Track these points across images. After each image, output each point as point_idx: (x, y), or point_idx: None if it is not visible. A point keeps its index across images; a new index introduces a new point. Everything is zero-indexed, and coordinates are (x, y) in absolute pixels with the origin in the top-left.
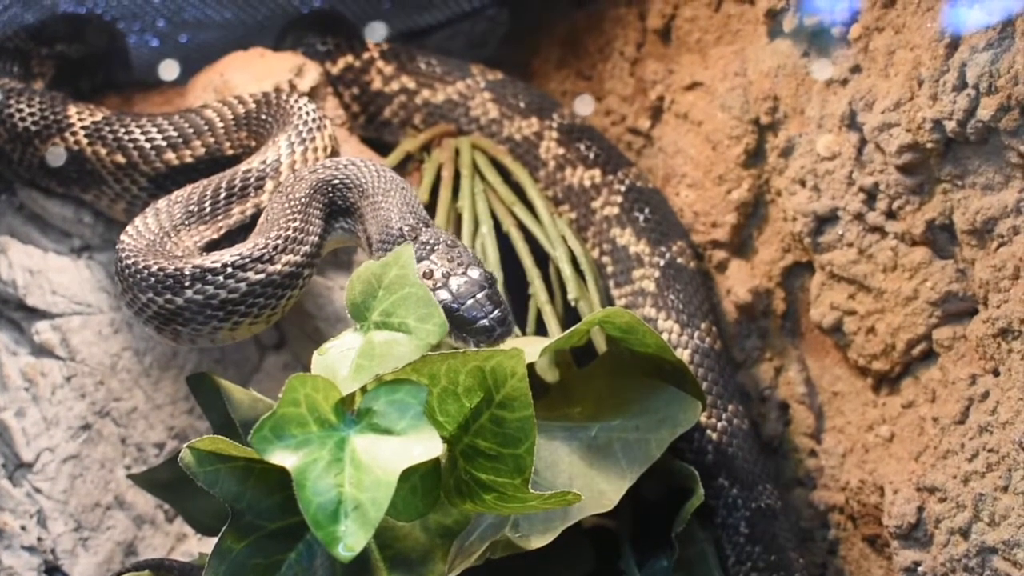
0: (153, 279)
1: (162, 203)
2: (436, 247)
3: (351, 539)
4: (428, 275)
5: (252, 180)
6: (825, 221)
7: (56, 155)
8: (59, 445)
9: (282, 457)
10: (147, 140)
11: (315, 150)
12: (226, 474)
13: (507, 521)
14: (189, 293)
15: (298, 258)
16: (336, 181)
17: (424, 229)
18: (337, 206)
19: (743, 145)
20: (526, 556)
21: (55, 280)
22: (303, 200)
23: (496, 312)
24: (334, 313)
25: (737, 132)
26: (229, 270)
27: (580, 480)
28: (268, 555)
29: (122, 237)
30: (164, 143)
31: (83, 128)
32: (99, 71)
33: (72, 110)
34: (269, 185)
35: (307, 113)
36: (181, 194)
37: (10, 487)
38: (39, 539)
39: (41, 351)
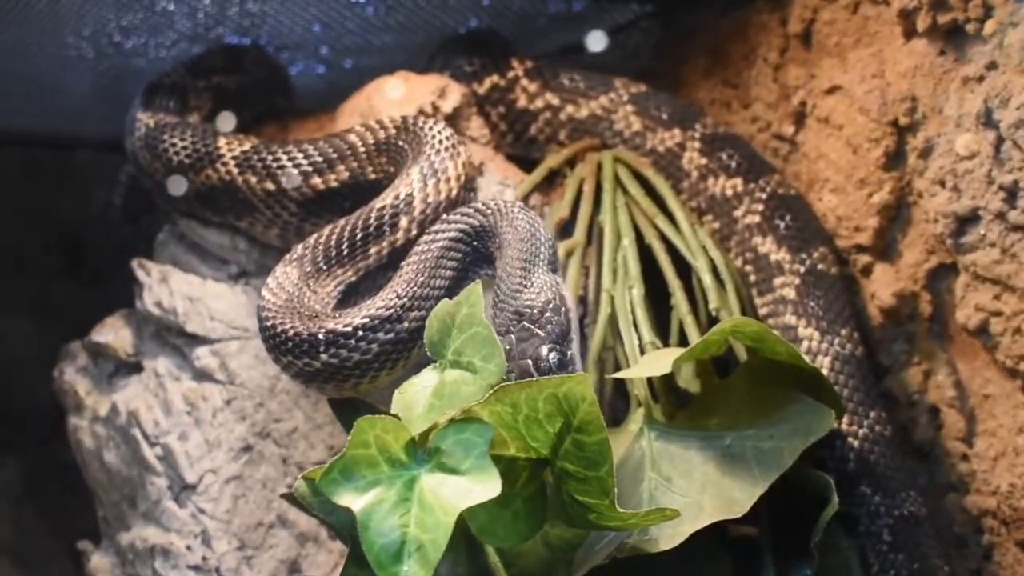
0: (291, 343)
1: (300, 248)
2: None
3: None
4: (505, 335)
5: (386, 218)
6: (967, 222)
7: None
8: (221, 466)
9: (350, 499)
10: (294, 166)
11: (447, 180)
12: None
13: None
14: (324, 357)
15: (425, 313)
16: (478, 230)
17: (529, 289)
18: (480, 253)
19: (883, 147)
20: (664, 565)
21: (213, 306)
22: (437, 252)
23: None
24: None
25: (876, 135)
26: (360, 333)
27: (712, 488)
28: None
29: (263, 292)
30: (310, 168)
31: (233, 158)
32: (259, 101)
33: (222, 141)
34: (403, 222)
35: (439, 141)
36: (319, 237)
37: (176, 508)
38: (204, 558)
39: (202, 376)
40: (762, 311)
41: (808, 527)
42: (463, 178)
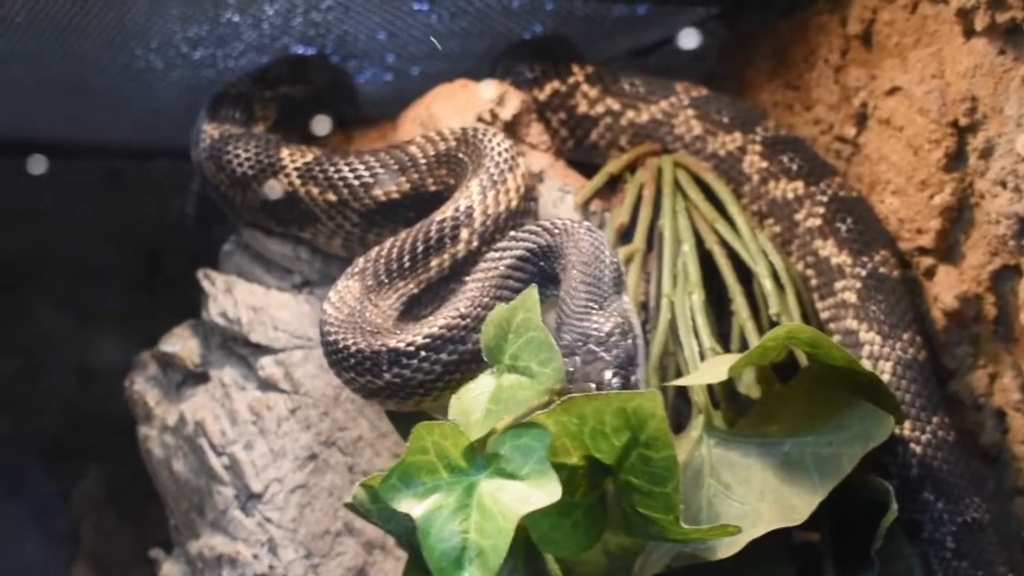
0: (353, 360)
1: (362, 262)
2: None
3: None
4: (569, 356)
5: (447, 231)
6: None
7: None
8: (287, 475)
9: (409, 505)
10: (356, 177)
11: (507, 192)
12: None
13: None
14: (387, 376)
15: None
16: (544, 249)
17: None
18: (545, 273)
19: (943, 148)
20: (724, 573)
21: (276, 316)
22: (503, 271)
23: None
24: None
25: (937, 136)
26: (423, 353)
27: (772, 495)
28: None
29: (325, 307)
30: (372, 180)
31: (295, 169)
32: (325, 110)
33: (285, 152)
34: (464, 234)
35: (499, 153)
36: (380, 250)
37: (242, 517)
38: (270, 567)
39: (266, 385)
40: (823, 315)
41: (869, 534)
42: (522, 189)
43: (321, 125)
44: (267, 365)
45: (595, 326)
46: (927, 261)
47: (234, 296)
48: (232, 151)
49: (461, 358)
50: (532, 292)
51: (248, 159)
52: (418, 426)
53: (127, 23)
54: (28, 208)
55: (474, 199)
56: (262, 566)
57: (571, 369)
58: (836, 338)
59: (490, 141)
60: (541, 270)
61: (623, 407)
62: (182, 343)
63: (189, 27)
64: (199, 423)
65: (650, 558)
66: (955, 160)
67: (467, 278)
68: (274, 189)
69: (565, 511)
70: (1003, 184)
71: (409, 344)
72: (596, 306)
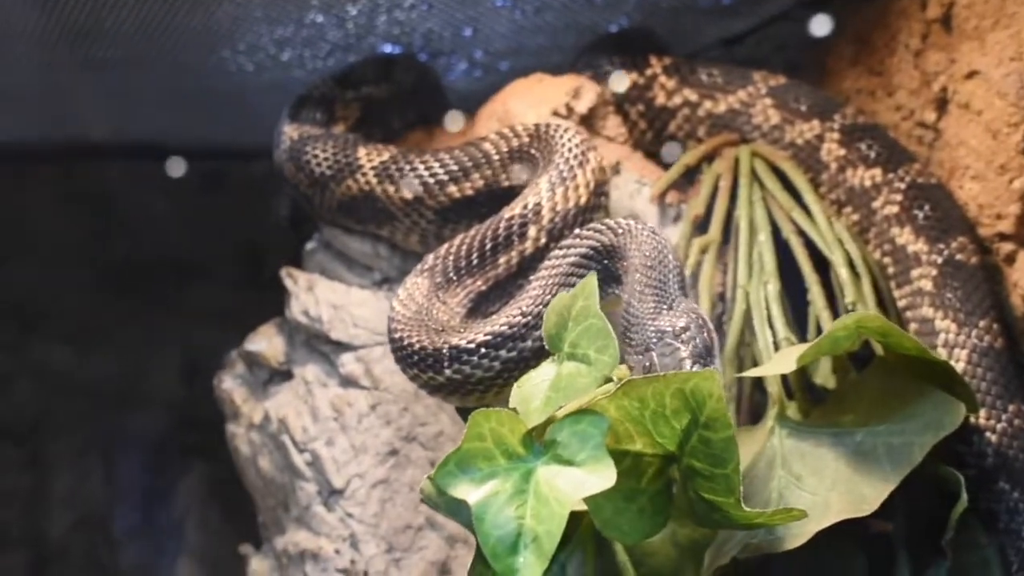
0: (416, 357)
1: (431, 258)
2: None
3: (528, 571)
4: (644, 352)
5: (515, 228)
6: None
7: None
8: (368, 471)
9: (465, 491)
10: (431, 175)
11: (576, 188)
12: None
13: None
14: (448, 373)
15: None
16: (609, 248)
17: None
18: (609, 272)
19: (1022, 132)
20: (794, 564)
21: (356, 313)
22: (566, 269)
23: None
24: None
25: (1016, 119)
26: (483, 350)
27: (843, 485)
28: None
29: (393, 303)
30: (447, 177)
31: (372, 168)
32: (409, 109)
33: (361, 152)
34: (532, 231)
35: (569, 149)
36: (450, 248)
37: (324, 513)
38: (352, 561)
39: (347, 382)
40: (900, 304)
41: (942, 525)
42: (592, 185)
43: (404, 123)
44: (347, 362)
45: (669, 323)
46: (1007, 247)
47: (315, 294)
48: (311, 151)
49: (520, 355)
50: (591, 280)
51: (326, 159)
52: (475, 413)
53: (213, 25)
54: (134, 211)
55: (543, 196)
56: (344, 561)
57: (647, 364)
58: (912, 326)
59: (561, 137)
60: (605, 268)
61: (681, 388)
62: (267, 341)
63: (275, 29)
64: (282, 420)
65: (720, 550)
66: None
67: (532, 276)
68: (351, 189)
69: (630, 497)
70: None
71: (470, 341)
72: (666, 307)
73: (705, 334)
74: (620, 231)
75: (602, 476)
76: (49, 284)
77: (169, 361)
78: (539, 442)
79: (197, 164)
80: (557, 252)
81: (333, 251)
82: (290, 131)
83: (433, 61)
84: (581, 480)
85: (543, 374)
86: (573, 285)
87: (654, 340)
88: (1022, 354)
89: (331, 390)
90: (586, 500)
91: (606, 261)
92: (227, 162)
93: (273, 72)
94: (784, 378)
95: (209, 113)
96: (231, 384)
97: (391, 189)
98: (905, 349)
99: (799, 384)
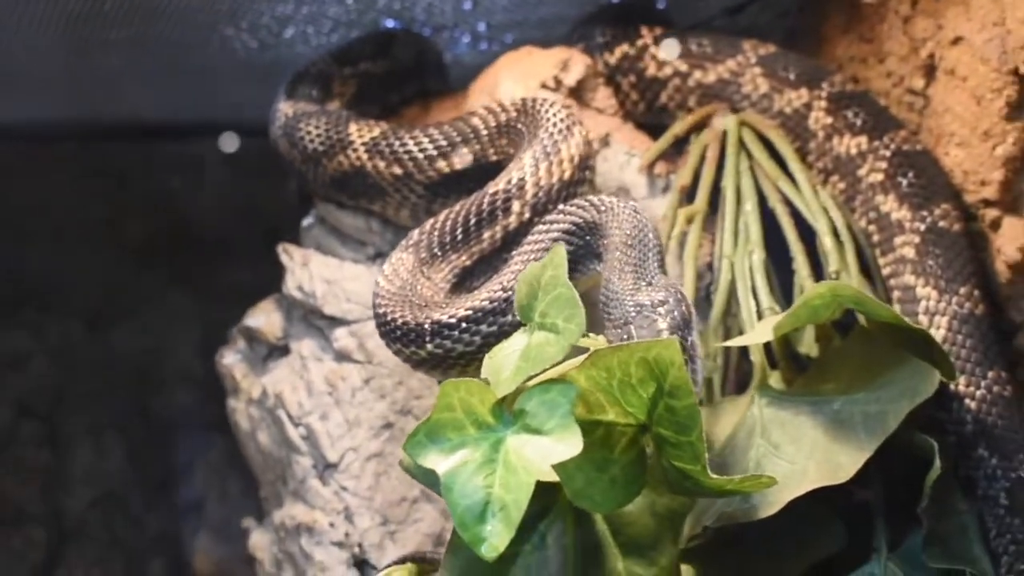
0: (399, 331)
1: (416, 234)
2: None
3: (496, 539)
4: (624, 326)
5: (499, 203)
6: None
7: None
8: (362, 444)
9: (435, 461)
10: (420, 151)
11: (560, 163)
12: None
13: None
14: (430, 347)
15: None
16: (591, 224)
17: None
18: (590, 249)
19: (1004, 97)
20: (771, 532)
21: (349, 288)
22: (547, 245)
23: None
24: None
25: (998, 84)
26: (464, 325)
27: (819, 453)
28: None
29: (378, 279)
30: (435, 152)
31: (363, 144)
32: (408, 84)
33: (352, 128)
34: (516, 206)
35: (553, 124)
36: (435, 223)
37: (319, 486)
38: (346, 534)
39: (341, 356)
40: (885, 271)
41: (922, 492)
42: (576, 159)
43: (403, 98)
44: (341, 336)
45: (647, 297)
46: (992, 213)
47: (310, 269)
48: (304, 128)
49: (501, 329)
50: (560, 250)
51: (319, 135)
52: (445, 383)
53: (214, 4)
54: (155, 190)
55: (526, 171)
56: (338, 534)
57: (625, 337)
58: (896, 294)
59: (547, 111)
60: (587, 244)
61: (644, 357)
62: (265, 317)
63: (275, 6)
64: (278, 395)
65: (699, 520)
66: (1017, 109)
67: (515, 250)
68: (342, 165)
69: (603, 467)
70: None
71: (451, 316)
72: (644, 283)
73: (683, 307)
74: (603, 208)
75: (569, 444)
76: (67, 263)
77: (191, 337)
78: (509, 412)
79: (214, 141)
80: (540, 227)
81: (328, 226)
82: (285, 108)
83: (436, 35)
84: (549, 448)
85: (514, 344)
86: None
87: (633, 314)
88: (1007, 320)
89: (326, 364)
90: (557, 470)
91: (588, 237)
92: (245, 139)
93: (278, 50)
94: (768, 347)
95: (222, 91)
96: (231, 360)
97: (381, 164)
98: (881, 317)
99: (783, 353)
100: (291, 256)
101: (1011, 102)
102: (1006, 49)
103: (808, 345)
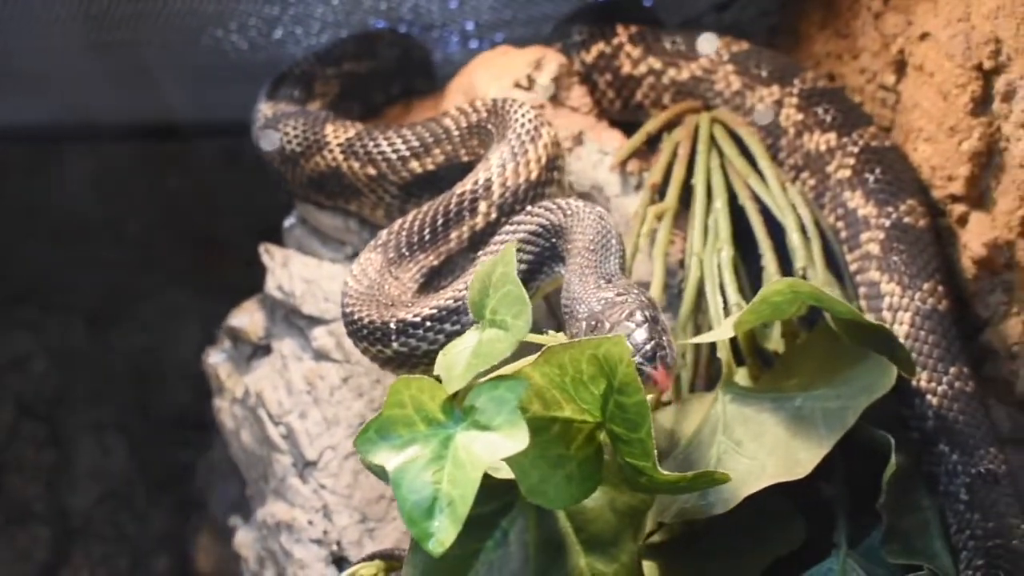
0: (366, 330)
1: (385, 234)
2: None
3: (443, 534)
4: (595, 326)
5: (466, 203)
6: None
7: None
8: (340, 443)
9: (385, 457)
10: (393, 151)
11: (527, 163)
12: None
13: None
14: (395, 346)
15: None
16: (557, 227)
17: (608, 286)
18: (556, 252)
19: (969, 93)
20: (733, 528)
21: (327, 287)
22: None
23: (647, 347)
24: None
25: (962, 80)
26: (428, 324)
27: (780, 450)
28: (461, 545)
29: (347, 278)
30: (408, 153)
31: (338, 145)
32: (393, 83)
33: (328, 129)
34: (482, 206)
35: (521, 124)
36: (403, 223)
37: (299, 484)
38: (325, 532)
39: (319, 356)
40: (852, 267)
41: (896, 490)
42: (544, 160)
43: (388, 98)
44: (319, 336)
45: (610, 293)
46: (960, 208)
47: (289, 269)
48: (283, 129)
49: (464, 328)
50: (510, 247)
51: (296, 136)
52: (396, 380)
53: (201, 8)
54: (151, 189)
55: (493, 171)
56: (317, 531)
57: (594, 324)
58: (862, 290)
59: (515, 112)
60: (552, 247)
61: (595, 353)
62: (249, 316)
63: (262, 8)
64: (259, 394)
65: (659, 516)
66: (981, 104)
67: (481, 251)
68: (319, 165)
69: (559, 463)
70: None
71: (416, 315)
72: (605, 282)
73: (645, 298)
74: (569, 212)
75: (515, 440)
76: (68, 262)
77: (189, 336)
78: (460, 408)
79: (212, 142)
80: (508, 227)
81: (309, 227)
82: (265, 108)
83: (426, 35)
84: (496, 444)
85: (467, 341)
86: (520, 262)
87: (598, 308)
88: (973, 316)
89: (305, 363)
90: (512, 467)
91: (554, 240)
92: (241, 139)
93: (269, 50)
94: (735, 344)
95: (219, 90)
96: (216, 359)
97: (356, 165)
98: (840, 314)
99: (750, 350)
100: (272, 256)
101: (975, 97)
102: (970, 45)
103: (776, 342)
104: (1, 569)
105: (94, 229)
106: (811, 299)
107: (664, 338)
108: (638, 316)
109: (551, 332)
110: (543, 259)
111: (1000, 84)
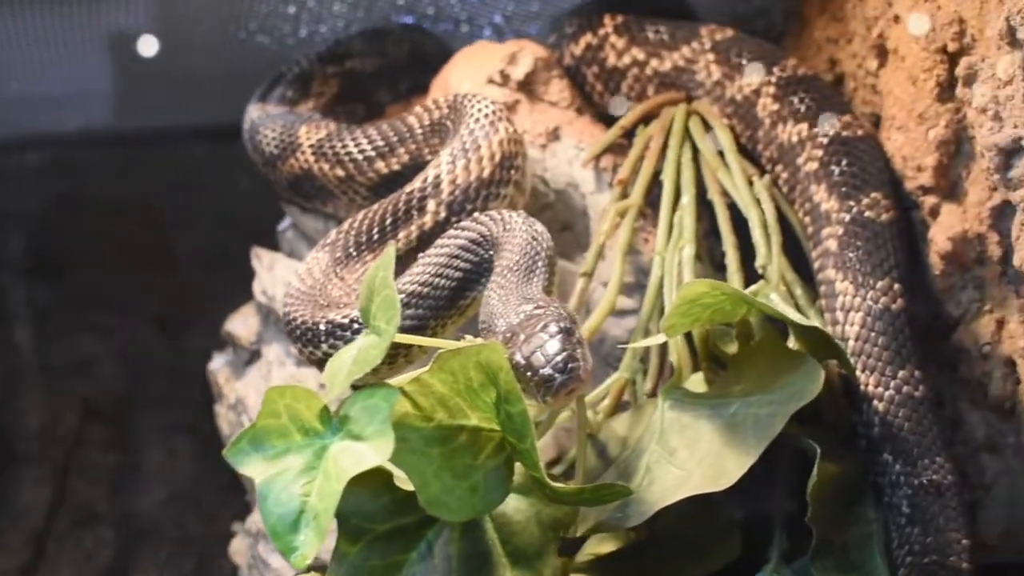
0: (298, 331)
1: (334, 234)
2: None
3: (306, 548)
4: (511, 338)
5: (415, 202)
6: (1012, 153)
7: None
8: None
9: (259, 469)
10: (359, 152)
11: (479, 160)
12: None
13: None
14: (325, 347)
15: (421, 311)
16: (495, 240)
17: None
18: (490, 265)
19: (935, 77)
20: (667, 541)
21: None
22: (450, 252)
23: (558, 358)
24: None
25: (928, 64)
26: (355, 326)
27: (710, 458)
28: (384, 556)
29: (292, 279)
30: (374, 153)
31: (310, 147)
32: (401, 80)
33: (302, 130)
34: (431, 205)
35: (476, 120)
36: (352, 223)
37: None
38: None
39: (301, 361)
40: (814, 265)
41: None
42: (498, 157)
43: (394, 95)
44: None
45: (528, 308)
46: (931, 200)
47: (275, 273)
48: (262, 131)
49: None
50: (389, 251)
51: (274, 138)
52: (270, 389)
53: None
54: (150, 193)
55: (442, 168)
56: None
57: (510, 335)
58: (822, 288)
59: (472, 107)
60: (489, 259)
61: (478, 360)
62: (243, 322)
63: (287, 3)
64: (242, 400)
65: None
66: (948, 89)
67: (420, 254)
68: (293, 168)
69: (464, 474)
70: (984, 111)
71: (345, 316)
72: (524, 299)
73: (564, 311)
74: (508, 226)
75: (380, 450)
76: (136, 268)
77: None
78: (336, 418)
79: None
80: (450, 233)
81: (298, 230)
82: (252, 111)
83: (456, 30)
84: (362, 454)
85: (353, 348)
86: (454, 267)
87: (516, 321)
88: (945, 315)
89: (287, 370)
90: (411, 477)
91: (491, 252)
92: None
93: (297, 49)
94: (692, 348)
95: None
96: (218, 364)
97: (326, 167)
98: (773, 315)
99: (705, 354)
100: (260, 260)
101: (941, 82)
102: (935, 26)
103: (728, 345)
104: (67, 571)
105: (166, 231)
106: (737, 299)
107: (578, 350)
108: (552, 328)
109: (469, 337)
110: (482, 271)
111: (962, 67)
